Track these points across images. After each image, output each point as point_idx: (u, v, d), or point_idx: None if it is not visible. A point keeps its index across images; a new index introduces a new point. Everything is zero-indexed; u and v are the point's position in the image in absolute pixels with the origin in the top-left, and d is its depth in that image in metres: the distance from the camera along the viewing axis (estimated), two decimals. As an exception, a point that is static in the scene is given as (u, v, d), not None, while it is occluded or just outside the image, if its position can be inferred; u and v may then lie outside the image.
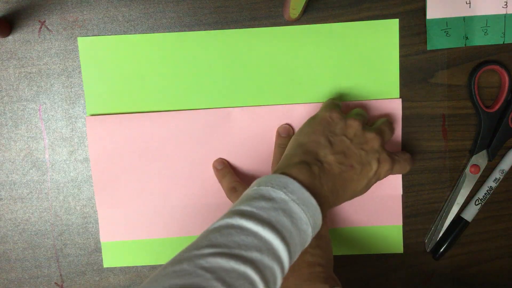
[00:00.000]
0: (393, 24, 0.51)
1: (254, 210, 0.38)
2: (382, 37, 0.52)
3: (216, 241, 0.36)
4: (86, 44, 0.51)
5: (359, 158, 0.45)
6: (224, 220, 0.38)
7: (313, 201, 0.40)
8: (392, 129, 0.50)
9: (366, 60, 0.52)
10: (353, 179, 0.45)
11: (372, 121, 0.51)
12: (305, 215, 0.39)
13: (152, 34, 0.51)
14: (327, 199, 0.43)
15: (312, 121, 0.47)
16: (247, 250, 0.36)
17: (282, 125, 0.52)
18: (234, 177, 0.51)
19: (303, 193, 0.40)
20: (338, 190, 0.44)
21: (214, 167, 0.53)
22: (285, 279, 0.44)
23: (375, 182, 0.47)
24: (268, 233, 0.37)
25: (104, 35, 0.51)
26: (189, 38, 0.52)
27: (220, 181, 0.52)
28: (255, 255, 0.36)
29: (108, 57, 0.52)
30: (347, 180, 0.45)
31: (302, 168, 0.43)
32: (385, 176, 0.47)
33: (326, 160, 0.44)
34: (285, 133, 0.52)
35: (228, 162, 0.53)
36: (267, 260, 0.36)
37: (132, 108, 0.52)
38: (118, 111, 0.52)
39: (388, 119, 0.50)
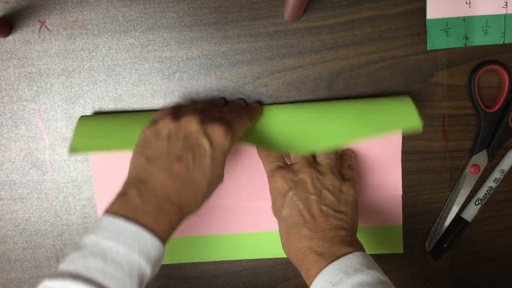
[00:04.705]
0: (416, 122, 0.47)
1: (69, 267, 0.36)
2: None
3: None
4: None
5: (182, 146, 0.41)
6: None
7: (129, 226, 0.37)
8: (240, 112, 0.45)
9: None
10: (189, 169, 0.40)
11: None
12: (123, 246, 0.36)
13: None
14: (164, 210, 0.39)
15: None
16: None
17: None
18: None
19: (116, 223, 0.37)
20: (180, 191, 0.40)
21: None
22: (308, 239, 0.43)
23: (222, 157, 0.42)
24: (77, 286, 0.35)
25: (105, 33, 0.51)
26: None
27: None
28: None
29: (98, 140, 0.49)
30: (180, 175, 0.40)
31: (117, 198, 0.40)
32: (228, 145, 0.42)
33: (146, 175, 0.40)
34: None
35: None
36: None
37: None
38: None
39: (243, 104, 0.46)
